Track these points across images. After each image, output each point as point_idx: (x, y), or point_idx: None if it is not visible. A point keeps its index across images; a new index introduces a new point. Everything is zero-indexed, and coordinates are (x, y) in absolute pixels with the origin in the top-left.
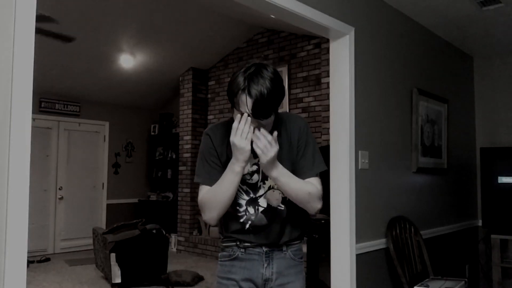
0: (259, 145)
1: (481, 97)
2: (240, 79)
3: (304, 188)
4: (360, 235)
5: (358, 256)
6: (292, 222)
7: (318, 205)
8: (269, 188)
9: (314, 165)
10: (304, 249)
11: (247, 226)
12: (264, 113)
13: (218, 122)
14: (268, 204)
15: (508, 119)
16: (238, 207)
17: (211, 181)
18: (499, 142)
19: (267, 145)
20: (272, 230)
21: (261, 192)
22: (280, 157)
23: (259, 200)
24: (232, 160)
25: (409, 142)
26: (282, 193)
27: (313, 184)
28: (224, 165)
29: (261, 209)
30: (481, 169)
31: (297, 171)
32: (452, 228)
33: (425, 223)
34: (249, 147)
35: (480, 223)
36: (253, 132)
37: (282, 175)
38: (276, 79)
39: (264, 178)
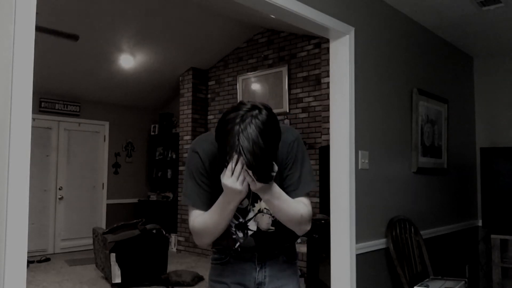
0: (249, 172)
1: (481, 97)
2: (233, 133)
3: (297, 210)
4: (360, 235)
5: (358, 256)
6: (283, 237)
7: (307, 227)
8: (259, 211)
9: (301, 184)
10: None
11: (236, 246)
12: (263, 172)
13: (205, 136)
14: (257, 227)
15: (508, 119)
16: (229, 227)
17: (202, 204)
18: (499, 142)
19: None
20: (262, 248)
21: (250, 215)
22: None
23: (248, 224)
24: (226, 199)
25: (409, 142)
26: (272, 216)
27: (305, 205)
28: (214, 185)
29: (250, 232)
30: (481, 169)
31: (284, 188)
32: (452, 228)
33: (425, 223)
34: (245, 189)
35: (480, 223)
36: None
37: (274, 197)
38: (269, 129)
39: (254, 201)
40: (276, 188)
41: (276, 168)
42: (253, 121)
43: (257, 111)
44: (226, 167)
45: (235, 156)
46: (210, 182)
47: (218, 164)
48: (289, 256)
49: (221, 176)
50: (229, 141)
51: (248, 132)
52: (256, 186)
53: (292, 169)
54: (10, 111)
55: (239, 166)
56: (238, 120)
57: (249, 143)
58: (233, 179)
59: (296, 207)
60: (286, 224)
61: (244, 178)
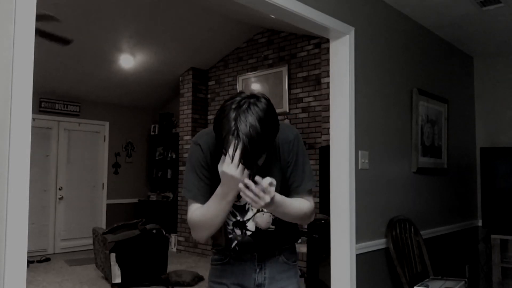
0: (247, 194)
1: (481, 97)
2: (230, 118)
3: (300, 210)
4: (360, 235)
5: (358, 256)
6: (283, 236)
7: (311, 219)
8: (258, 210)
9: (304, 180)
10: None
11: (233, 245)
12: (254, 159)
13: (207, 129)
14: (256, 227)
15: (508, 119)
16: (225, 225)
17: (202, 198)
18: (499, 142)
19: (258, 194)
20: (261, 246)
21: (249, 215)
22: (269, 170)
23: (247, 224)
24: (224, 189)
25: (409, 142)
26: (273, 215)
27: (307, 202)
28: (215, 178)
29: (249, 233)
30: (481, 169)
31: (287, 186)
32: (452, 228)
33: (425, 223)
34: (244, 177)
35: (480, 223)
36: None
37: (277, 207)
38: (267, 117)
39: None
40: (277, 197)
41: (274, 182)
42: (251, 107)
43: (255, 99)
44: (224, 154)
45: (234, 142)
46: (211, 175)
47: (219, 157)
48: (289, 257)
49: (219, 165)
50: (226, 125)
51: (245, 116)
52: (258, 204)
53: (295, 167)
54: (10, 111)
55: (238, 152)
56: (235, 106)
57: (246, 127)
58: (233, 166)
59: (299, 207)
60: (290, 221)
61: (244, 167)
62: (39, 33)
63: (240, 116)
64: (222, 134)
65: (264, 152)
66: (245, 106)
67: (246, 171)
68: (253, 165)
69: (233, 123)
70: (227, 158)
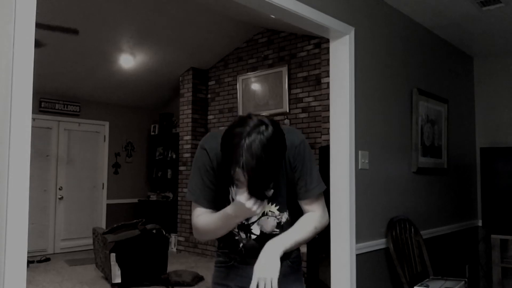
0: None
1: (481, 97)
2: (238, 147)
3: (311, 232)
4: (360, 235)
5: (358, 256)
6: None
7: (326, 224)
8: (263, 214)
9: (312, 187)
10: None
11: (240, 247)
12: (261, 190)
13: (215, 133)
14: (261, 231)
15: (508, 119)
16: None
17: (205, 202)
18: (499, 142)
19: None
20: None
21: (254, 218)
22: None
23: (251, 227)
24: (235, 213)
25: (409, 142)
26: (278, 218)
27: (314, 215)
28: (219, 183)
29: (253, 236)
30: (481, 169)
31: (294, 192)
32: (452, 228)
33: (425, 223)
34: (258, 211)
35: (480, 223)
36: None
37: (287, 247)
38: (273, 146)
39: None
40: (279, 245)
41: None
42: (259, 137)
43: (264, 127)
44: (233, 175)
45: (244, 176)
46: (216, 180)
47: (225, 162)
48: (294, 260)
49: (236, 192)
50: (233, 155)
51: (253, 149)
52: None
53: (302, 172)
54: (10, 111)
55: (253, 199)
56: (244, 135)
57: (252, 159)
58: (251, 201)
59: (307, 230)
60: None
61: (261, 202)
62: (47, 27)
63: (248, 149)
64: (230, 161)
65: (272, 180)
66: (253, 136)
67: (261, 206)
68: (261, 195)
69: (240, 154)
70: (246, 194)
